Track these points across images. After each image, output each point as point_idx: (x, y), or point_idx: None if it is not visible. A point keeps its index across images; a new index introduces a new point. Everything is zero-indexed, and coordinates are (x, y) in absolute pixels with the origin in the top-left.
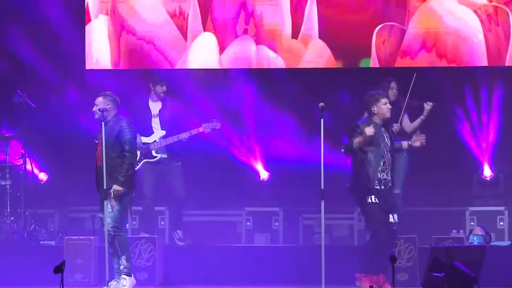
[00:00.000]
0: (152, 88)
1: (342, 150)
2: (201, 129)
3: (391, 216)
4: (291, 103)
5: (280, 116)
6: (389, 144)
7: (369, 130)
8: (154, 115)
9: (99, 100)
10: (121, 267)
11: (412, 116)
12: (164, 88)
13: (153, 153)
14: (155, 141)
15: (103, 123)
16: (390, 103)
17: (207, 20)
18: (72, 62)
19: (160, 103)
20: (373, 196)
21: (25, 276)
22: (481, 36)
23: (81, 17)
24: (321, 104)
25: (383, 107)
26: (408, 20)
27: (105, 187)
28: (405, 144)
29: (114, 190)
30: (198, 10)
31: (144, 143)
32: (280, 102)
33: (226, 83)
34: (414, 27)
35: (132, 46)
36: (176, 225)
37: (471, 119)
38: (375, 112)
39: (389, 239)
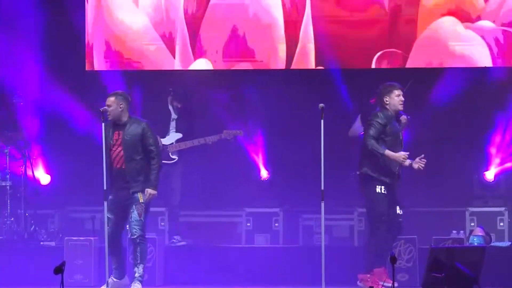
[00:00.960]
0: (171, 96)
1: (369, 147)
2: (223, 136)
3: (398, 207)
4: (291, 103)
5: (280, 116)
6: (401, 135)
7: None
8: (172, 118)
9: (111, 99)
10: (136, 274)
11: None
12: (179, 105)
13: (170, 155)
14: (172, 143)
15: (106, 122)
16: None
17: (195, 46)
18: (73, 62)
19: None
20: (383, 187)
21: (25, 277)
22: (488, 62)
23: (82, 18)
24: (321, 104)
25: (395, 98)
26: (411, 45)
27: (130, 191)
28: (407, 162)
29: (150, 194)
30: (187, 34)
31: (162, 145)
32: (280, 102)
33: (227, 83)
34: (417, 53)
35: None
36: (173, 230)
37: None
38: (387, 103)
39: (394, 231)
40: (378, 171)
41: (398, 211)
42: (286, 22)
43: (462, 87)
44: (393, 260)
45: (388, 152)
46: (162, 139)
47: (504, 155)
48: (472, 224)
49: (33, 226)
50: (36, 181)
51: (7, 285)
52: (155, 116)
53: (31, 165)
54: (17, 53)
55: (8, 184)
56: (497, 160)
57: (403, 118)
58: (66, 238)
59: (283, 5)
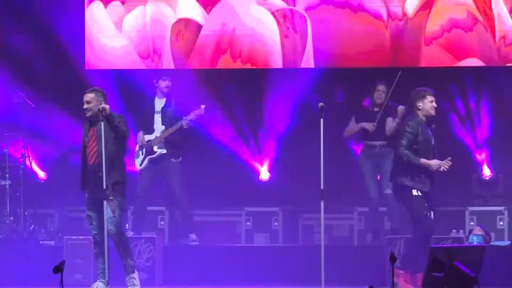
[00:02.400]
0: (156, 84)
1: (404, 158)
2: (189, 117)
3: (431, 212)
4: (291, 103)
5: (280, 116)
6: (433, 141)
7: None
8: (157, 111)
9: (90, 96)
10: (128, 268)
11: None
12: (167, 82)
13: (154, 148)
14: (156, 136)
15: (102, 123)
16: (376, 105)
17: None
18: (72, 62)
19: (164, 99)
20: (418, 190)
21: (24, 276)
22: None
23: (82, 17)
24: (321, 104)
25: (428, 104)
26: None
27: (103, 185)
28: (401, 108)
29: (103, 107)
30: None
31: (147, 141)
32: (280, 101)
33: (227, 82)
34: None
35: None
36: (187, 228)
37: (464, 119)
38: (420, 108)
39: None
40: (414, 180)
41: (432, 215)
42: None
43: (461, 86)
44: (393, 259)
45: (423, 160)
46: (147, 136)
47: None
48: (472, 223)
49: (32, 225)
50: (35, 180)
51: (6, 285)
52: (141, 113)
53: (31, 164)
54: (17, 52)
55: (7, 184)
56: (483, 155)
57: (401, 108)
58: (65, 237)
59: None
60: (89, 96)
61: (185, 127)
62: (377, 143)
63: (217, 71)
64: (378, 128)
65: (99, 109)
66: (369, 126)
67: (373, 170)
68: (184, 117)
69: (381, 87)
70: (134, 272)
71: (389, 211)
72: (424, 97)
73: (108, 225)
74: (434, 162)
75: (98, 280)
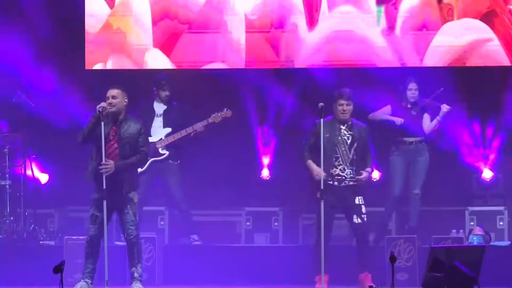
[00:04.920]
0: (156, 92)
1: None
2: (210, 120)
3: (354, 216)
4: (291, 102)
5: (280, 115)
6: (349, 141)
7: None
8: (157, 114)
9: (117, 91)
10: (136, 274)
11: (432, 116)
12: (167, 92)
13: (160, 150)
14: (161, 138)
15: (102, 124)
16: (409, 103)
17: None
18: (72, 62)
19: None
20: (319, 192)
21: (24, 276)
22: None
23: (82, 17)
24: (321, 104)
25: (338, 107)
26: None
27: (123, 190)
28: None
29: (110, 165)
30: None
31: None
32: (279, 101)
33: (227, 83)
34: None
35: None
36: (186, 229)
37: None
38: (334, 109)
39: (357, 240)
40: (313, 183)
41: (355, 219)
42: None
43: (463, 86)
44: (393, 259)
45: (309, 163)
46: (149, 137)
47: (494, 151)
48: (472, 223)
49: (32, 226)
50: (35, 180)
51: (6, 285)
52: (139, 115)
53: (31, 164)
54: (17, 52)
55: (7, 184)
56: (491, 157)
57: (444, 106)
58: (65, 237)
59: None
60: (114, 91)
61: (199, 130)
62: (413, 139)
63: (215, 71)
64: (413, 124)
65: (99, 110)
66: (397, 119)
67: (404, 167)
68: (209, 118)
69: (413, 85)
70: (141, 282)
71: (413, 210)
72: (336, 100)
73: (130, 227)
74: (316, 170)
75: (82, 280)
